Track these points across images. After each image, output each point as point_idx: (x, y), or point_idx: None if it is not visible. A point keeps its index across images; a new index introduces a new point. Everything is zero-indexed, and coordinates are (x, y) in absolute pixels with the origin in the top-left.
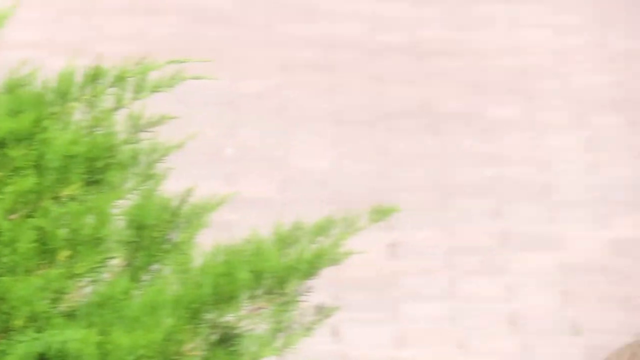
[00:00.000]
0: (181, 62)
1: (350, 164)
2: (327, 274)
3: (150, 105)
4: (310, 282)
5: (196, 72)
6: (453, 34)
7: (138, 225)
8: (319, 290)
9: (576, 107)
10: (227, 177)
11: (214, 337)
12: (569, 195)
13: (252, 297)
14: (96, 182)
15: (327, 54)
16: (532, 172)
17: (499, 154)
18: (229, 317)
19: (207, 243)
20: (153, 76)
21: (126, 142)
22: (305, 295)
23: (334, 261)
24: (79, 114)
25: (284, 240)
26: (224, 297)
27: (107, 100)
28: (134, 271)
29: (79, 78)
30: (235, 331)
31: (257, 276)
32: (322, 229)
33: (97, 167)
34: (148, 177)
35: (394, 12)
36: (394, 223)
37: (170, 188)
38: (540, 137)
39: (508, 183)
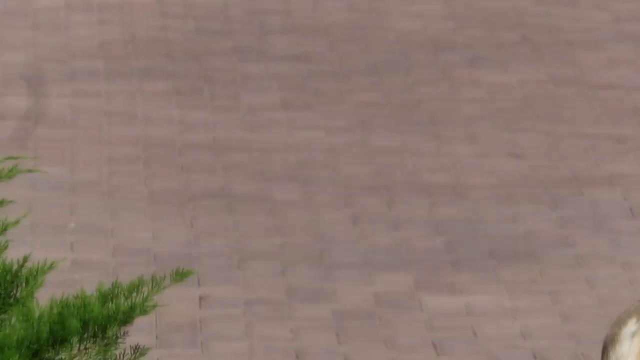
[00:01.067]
0: (16, 158)
1: (165, 235)
2: (151, 320)
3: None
4: (128, 328)
5: (40, 166)
6: (245, 134)
7: None
8: (146, 332)
9: (343, 190)
10: (70, 246)
11: None
12: (341, 258)
13: (81, 340)
14: None
15: (145, 150)
16: (311, 241)
17: (284, 227)
18: (63, 356)
19: (46, 297)
20: None
21: None
22: (124, 338)
23: (144, 312)
24: None
25: (105, 296)
26: (58, 340)
27: None
28: None
29: None
30: None
31: (84, 323)
32: (134, 287)
33: None
34: None
35: (196, 118)
36: (202, 280)
37: (17, 255)
38: (317, 213)
39: (292, 249)
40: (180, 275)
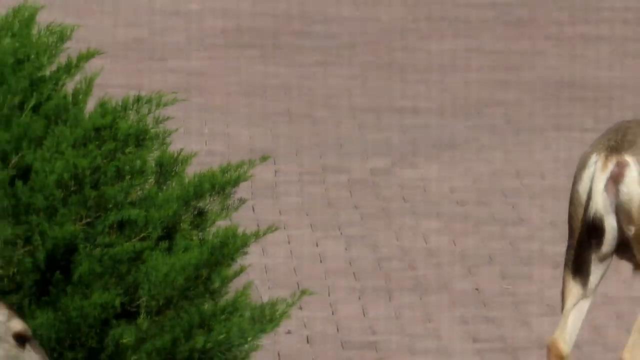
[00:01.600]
0: (175, 93)
1: (258, 137)
2: (248, 184)
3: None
4: (236, 188)
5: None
6: (296, 80)
7: (160, 164)
8: (246, 191)
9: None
10: (205, 143)
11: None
12: (352, 150)
13: (210, 195)
14: (140, 145)
15: (246, 88)
16: (334, 140)
17: (318, 133)
18: (200, 204)
19: (191, 172)
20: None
21: (152, 128)
22: (234, 194)
23: (245, 179)
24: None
25: (223, 170)
26: (198, 195)
27: (143, 109)
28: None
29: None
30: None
31: (212, 186)
32: (239, 165)
33: (140, 138)
34: (162, 144)
35: (273, 70)
36: (276, 161)
37: (175, 147)
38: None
39: (323, 146)
40: (264, 158)
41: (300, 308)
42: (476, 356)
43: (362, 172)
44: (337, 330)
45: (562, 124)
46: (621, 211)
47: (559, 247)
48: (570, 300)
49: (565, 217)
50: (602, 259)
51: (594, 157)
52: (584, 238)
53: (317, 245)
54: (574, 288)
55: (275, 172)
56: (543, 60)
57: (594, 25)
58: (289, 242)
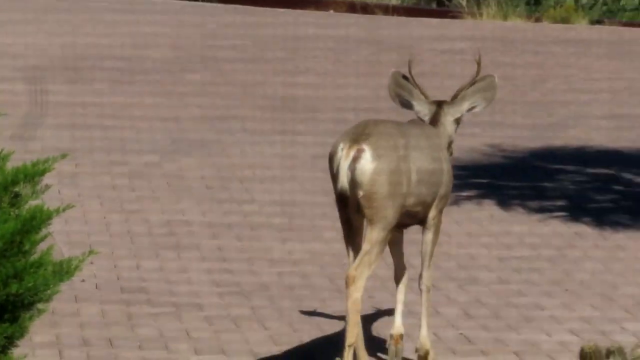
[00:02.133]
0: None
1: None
2: (55, 174)
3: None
4: (43, 178)
5: None
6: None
7: None
8: (53, 180)
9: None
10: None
11: None
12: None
13: (24, 182)
14: None
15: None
16: None
17: None
18: (18, 190)
19: (11, 165)
20: None
21: None
22: (42, 180)
23: (49, 171)
24: None
25: (34, 165)
26: (18, 182)
27: None
28: None
29: None
30: None
31: (25, 175)
32: (43, 162)
33: None
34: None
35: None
36: (75, 158)
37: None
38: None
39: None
40: (63, 155)
41: (92, 263)
42: (217, 297)
43: (138, 165)
44: (118, 279)
45: (281, 129)
46: (355, 182)
47: (279, 219)
48: (348, 246)
49: (282, 198)
50: (356, 216)
51: (341, 145)
52: (340, 204)
53: (104, 218)
54: (348, 236)
55: (76, 165)
56: (269, 85)
57: (303, 60)
58: (84, 216)
